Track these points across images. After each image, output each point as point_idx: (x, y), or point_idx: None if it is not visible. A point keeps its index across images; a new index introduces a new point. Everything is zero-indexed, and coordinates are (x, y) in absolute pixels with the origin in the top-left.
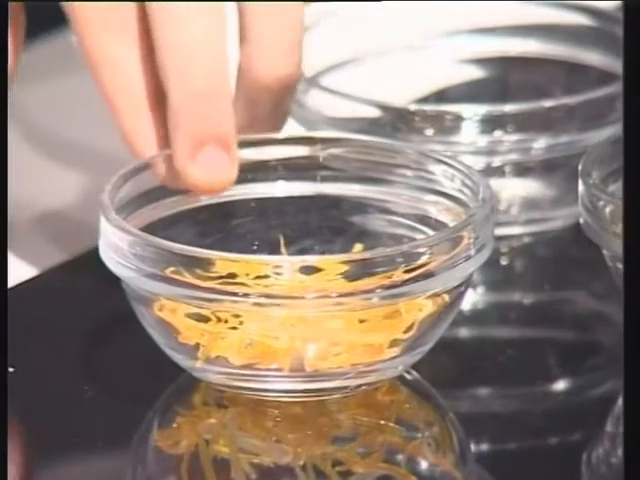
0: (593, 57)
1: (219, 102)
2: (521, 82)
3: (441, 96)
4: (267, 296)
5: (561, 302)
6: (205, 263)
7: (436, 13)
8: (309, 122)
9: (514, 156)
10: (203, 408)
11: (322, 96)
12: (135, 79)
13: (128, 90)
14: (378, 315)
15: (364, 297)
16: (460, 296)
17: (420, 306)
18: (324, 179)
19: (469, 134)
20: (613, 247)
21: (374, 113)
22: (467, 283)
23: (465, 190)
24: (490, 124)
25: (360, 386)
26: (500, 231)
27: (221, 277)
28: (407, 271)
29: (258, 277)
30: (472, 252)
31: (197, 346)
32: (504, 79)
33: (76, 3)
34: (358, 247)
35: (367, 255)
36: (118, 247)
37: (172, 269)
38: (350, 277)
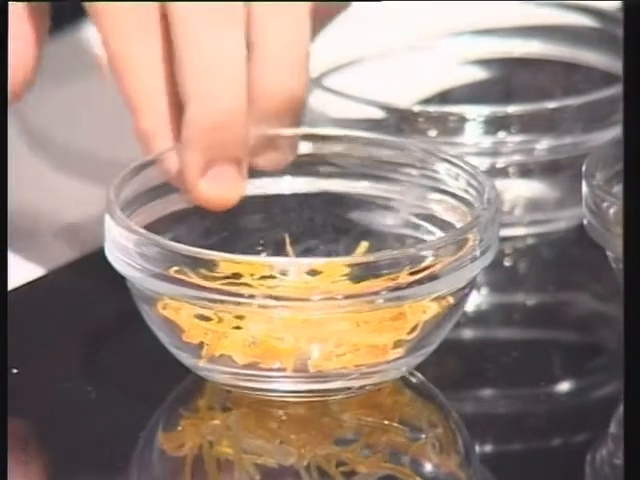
0: (597, 58)
1: (236, 128)
2: (525, 83)
3: (445, 97)
4: (272, 298)
5: (565, 303)
6: (209, 264)
7: (440, 14)
8: (312, 123)
9: (518, 157)
10: (208, 412)
11: (326, 97)
12: (157, 79)
13: (149, 89)
14: (383, 316)
15: (369, 299)
16: (464, 298)
17: (424, 308)
18: (329, 176)
19: (473, 135)
20: (617, 248)
21: (378, 114)
22: (472, 285)
23: (470, 190)
24: (494, 125)
25: (364, 387)
26: (504, 232)
27: (226, 277)
28: (412, 273)
29: (263, 277)
30: (477, 254)
31: (201, 345)
32: (508, 80)
33: (101, 5)
34: (364, 245)
35: (372, 258)
36: (123, 246)
37: (176, 268)
38: (355, 279)
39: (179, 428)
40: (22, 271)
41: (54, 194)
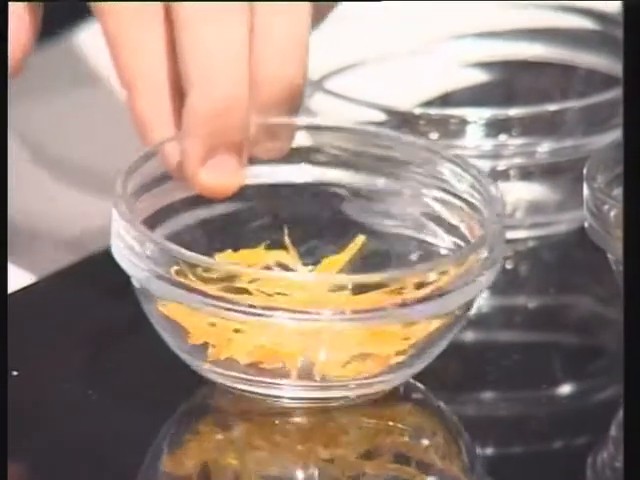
0: (598, 61)
1: (237, 114)
2: (526, 86)
3: (446, 100)
4: (274, 309)
5: (566, 306)
6: (210, 268)
7: (441, 17)
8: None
9: (519, 160)
10: (211, 425)
11: (327, 100)
12: (157, 62)
13: (148, 72)
14: (388, 327)
15: (376, 315)
16: (467, 310)
17: (428, 321)
18: (329, 165)
19: (474, 138)
20: (618, 251)
21: (379, 117)
22: (476, 297)
23: (473, 192)
24: (495, 128)
25: (367, 394)
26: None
27: (223, 279)
28: (418, 287)
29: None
30: (485, 269)
31: (206, 346)
32: (509, 83)
33: None
34: (360, 238)
35: (377, 278)
36: (129, 245)
37: (176, 268)
38: (354, 290)
39: (182, 437)
40: (20, 276)
41: (49, 201)
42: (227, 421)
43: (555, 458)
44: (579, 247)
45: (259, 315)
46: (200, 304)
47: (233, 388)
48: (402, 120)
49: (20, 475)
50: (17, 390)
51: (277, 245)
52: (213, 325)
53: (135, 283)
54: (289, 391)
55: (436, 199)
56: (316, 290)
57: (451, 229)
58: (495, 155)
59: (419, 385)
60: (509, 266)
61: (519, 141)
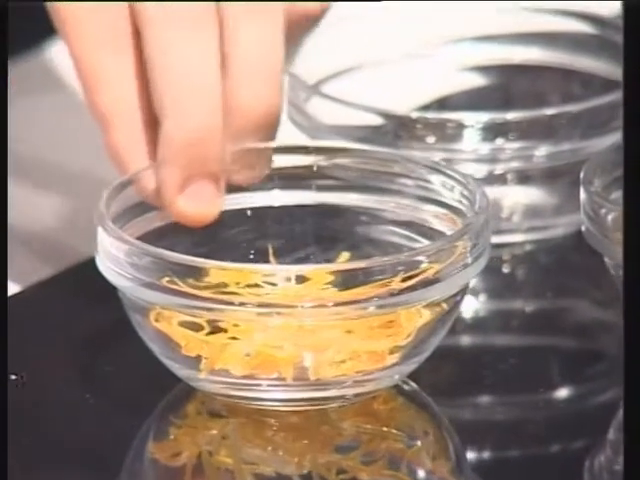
0: (595, 65)
1: (212, 144)
2: (523, 90)
3: (443, 104)
4: (263, 305)
5: (563, 310)
6: (198, 272)
7: (438, 21)
8: (310, 130)
9: (516, 164)
10: (198, 418)
11: (323, 104)
12: (129, 94)
13: (122, 105)
14: (377, 323)
15: (361, 306)
16: (457, 304)
17: (418, 314)
18: (320, 188)
19: (471, 142)
20: (615, 255)
21: (376, 121)
22: (464, 291)
23: (462, 199)
24: (492, 132)
25: (360, 394)
26: (502, 239)
27: (213, 287)
28: (404, 279)
29: (249, 286)
30: (469, 260)
31: (198, 358)
32: (506, 87)
33: (69, 18)
34: (345, 255)
35: (364, 264)
36: (114, 257)
37: (167, 279)
38: (344, 285)
39: (172, 437)
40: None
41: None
42: (222, 422)
43: (553, 462)
44: (576, 251)
45: (252, 312)
46: (194, 308)
47: (226, 396)
48: (399, 124)
49: (20, 476)
50: (16, 393)
51: (263, 259)
52: (201, 331)
53: (124, 297)
54: (284, 393)
55: (425, 210)
56: (306, 286)
57: (439, 237)
58: (492, 159)
59: (416, 389)
60: (506, 270)
61: (516, 145)
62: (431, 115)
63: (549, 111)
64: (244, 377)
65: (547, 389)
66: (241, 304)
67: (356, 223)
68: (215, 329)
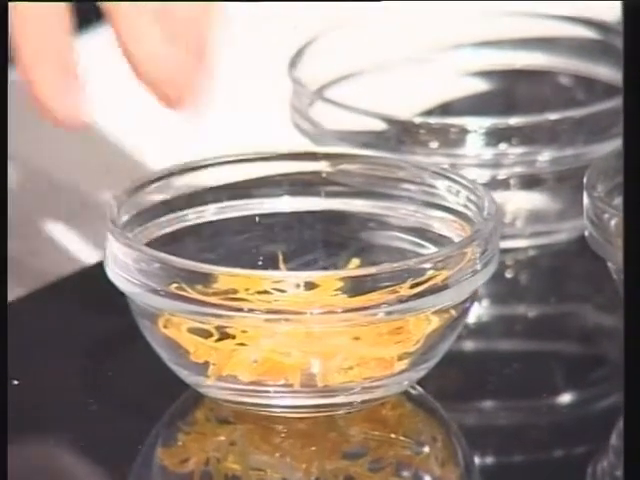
0: (598, 70)
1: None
2: (526, 95)
3: (446, 109)
4: (272, 312)
5: (566, 315)
6: (207, 278)
7: (441, 26)
8: (313, 135)
9: (519, 169)
10: (206, 424)
11: (327, 109)
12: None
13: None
14: (386, 330)
15: (371, 312)
16: (466, 310)
17: (427, 321)
18: (328, 194)
19: (474, 147)
20: (618, 260)
21: (379, 126)
22: (473, 298)
23: (470, 205)
24: (495, 137)
25: (368, 401)
26: (505, 244)
27: (222, 293)
28: (414, 286)
29: (258, 292)
30: (478, 267)
31: (207, 364)
32: (509, 92)
33: None
34: (355, 262)
35: (373, 271)
36: (123, 263)
37: (176, 285)
38: (354, 292)
39: (180, 444)
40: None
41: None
42: (230, 429)
43: (555, 467)
44: (579, 256)
45: (260, 318)
46: (203, 314)
47: (233, 402)
48: (402, 129)
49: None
50: (16, 398)
51: (273, 261)
52: (210, 337)
53: (133, 303)
54: (292, 400)
55: (432, 216)
56: (315, 292)
57: (446, 243)
58: (495, 164)
59: (423, 394)
60: (509, 275)
61: (519, 150)
62: (434, 120)
63: (552, 116)
64: (252, 383)
65: (550, 394)
66: (250, 310)
67: (364, 229)
68: (223, 335)
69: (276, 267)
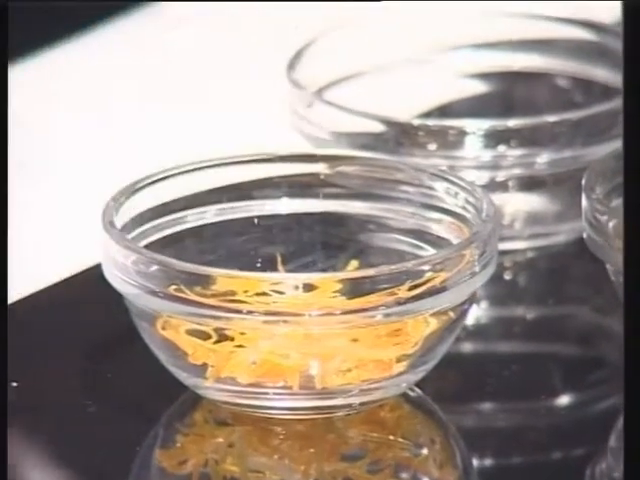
0: (596, 72)
1: None
2: (525, 97)
3: (444, 111)
4: (270, 313)
5: (565, 317)
6: (206, 280)
7: (440, 28)
8: (312, 137)
9: (518, 171)
10: (205, 426)
11: (325, 111)
12: None
13: None
14: (384, 332)
15: (369, 314)
16: (465, 312)
17: (425, 323)
18: (327, 196)
19: (473, 149)
20: (616, 262)
21: (377, 128)
22: (472, 300)
23: (468, 207)
24: (494, 139)
25: (367, 402)
26: (503, 246)
27: (220, 295)
28: (412, 288)
29: (257, 294)
30: (477, 269)
31: (205, 366)
32: (508, 94)
33: None
34: (354, 264)
35: (372, 273)
36: (122, 264)
37: (174, 287)
38: (352, 294)
39: (178, 445)
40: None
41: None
42: (228, 431)
43: (554, 469)
44: (578, 258)
45: (259, 320)
46: (201, 316)
47: (232, 404)
48: (400, 131)
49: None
50: (16, 400)
51: (272, 263)
52: (209, 339)
53: (131, 305)
54: (290, 401)
55: (431, 218)
56: (314, 294)
57: (445, 245)
58: (494, 166)
59: (422, 396)
60: (508, 277)
61: (518, 152)
62: (432, 122)
63: (550, 118)
64: (250, 385)
65: (549, 396)
66: (248, 312)
67: (362, 231)
68: (222, 337)
69: (275, 269)
